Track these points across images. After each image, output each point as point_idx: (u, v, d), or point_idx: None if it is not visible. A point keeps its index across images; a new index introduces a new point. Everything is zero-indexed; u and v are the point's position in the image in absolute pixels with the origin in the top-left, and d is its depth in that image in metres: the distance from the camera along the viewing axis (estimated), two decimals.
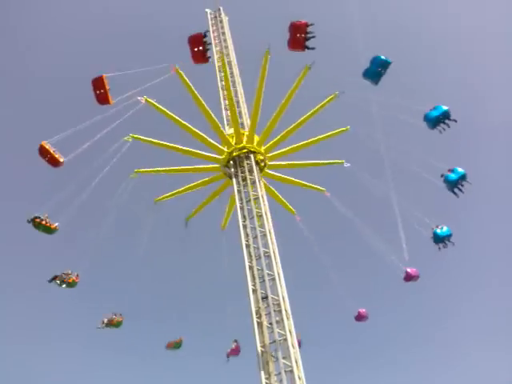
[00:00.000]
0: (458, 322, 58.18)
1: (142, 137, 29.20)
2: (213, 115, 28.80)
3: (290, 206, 33.97)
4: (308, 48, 26.77)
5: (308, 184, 33.26)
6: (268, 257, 22.01)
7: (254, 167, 27.50)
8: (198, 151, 29.88)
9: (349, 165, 32.34)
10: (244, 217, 23.89)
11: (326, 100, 29.79)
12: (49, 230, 26.78)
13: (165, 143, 29.62)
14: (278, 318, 20.17)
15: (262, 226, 23.33)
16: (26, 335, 55.60)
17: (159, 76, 28.02)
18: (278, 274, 21.50)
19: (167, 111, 28.63)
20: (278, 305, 20.49)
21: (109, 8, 68.15)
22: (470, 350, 55.70)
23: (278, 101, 28.95)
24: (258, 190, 25.02)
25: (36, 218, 26.25)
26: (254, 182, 26.24)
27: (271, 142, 29.84)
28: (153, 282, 48.89)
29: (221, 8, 37.46)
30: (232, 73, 32.55)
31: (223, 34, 35.23)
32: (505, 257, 57.58)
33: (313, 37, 26.42)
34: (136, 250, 32.60)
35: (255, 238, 22.85)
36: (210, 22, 36.33)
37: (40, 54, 67.17)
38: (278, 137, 29.86)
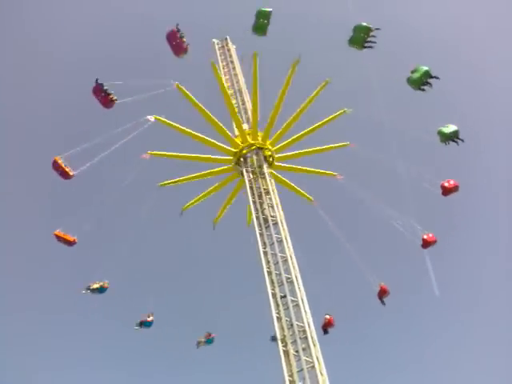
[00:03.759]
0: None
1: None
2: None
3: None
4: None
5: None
6: (291, 282, 21.69)
7: (264, 163, 28.70)
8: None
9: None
10: (264, 243, 23.76)
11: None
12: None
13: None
14: (304, 345, 20.08)
15: (282, 251, 23.07)
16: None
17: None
18: (302, 300, 21.31)
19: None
20: (304, 331, 20.40)
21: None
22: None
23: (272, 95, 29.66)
24: (276, 212, 24.89)
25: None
26: (268, 194, 26.61)
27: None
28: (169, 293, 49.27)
29: (228, 37, 37.19)
30: (243, 99, 33.24)
31: (232, 62, 35.59)
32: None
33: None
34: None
35: (276, 264, 22.84)
36: (217, 52, 36.79)
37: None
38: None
